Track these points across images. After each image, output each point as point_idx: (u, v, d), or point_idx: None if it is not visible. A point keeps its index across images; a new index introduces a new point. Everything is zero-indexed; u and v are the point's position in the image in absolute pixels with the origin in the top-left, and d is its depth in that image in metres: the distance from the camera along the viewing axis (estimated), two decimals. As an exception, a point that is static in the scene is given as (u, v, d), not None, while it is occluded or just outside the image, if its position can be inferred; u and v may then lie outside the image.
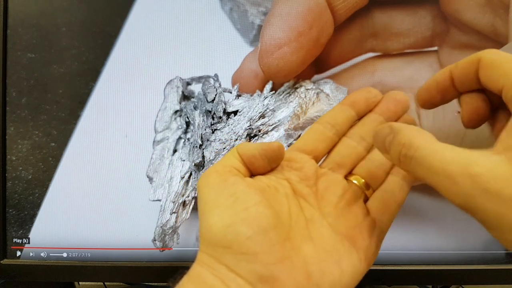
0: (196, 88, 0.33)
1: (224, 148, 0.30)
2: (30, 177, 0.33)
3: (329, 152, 0.23)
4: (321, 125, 0.23)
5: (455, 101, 0.21)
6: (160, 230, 0.31)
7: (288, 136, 0.30)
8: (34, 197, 0.33)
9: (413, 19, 0.32)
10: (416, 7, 0.31)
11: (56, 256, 0.33)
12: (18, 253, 0.33)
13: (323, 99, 0.31)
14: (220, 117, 0.31)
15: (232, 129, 0.31)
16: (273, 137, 0.30)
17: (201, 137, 0.31)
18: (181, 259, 0.33)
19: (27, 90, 0.33)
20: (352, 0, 0.30)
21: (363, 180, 0.21)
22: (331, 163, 0.22)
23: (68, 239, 0.33)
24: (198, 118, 0.32)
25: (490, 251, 0.33)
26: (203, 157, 0.31)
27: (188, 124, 0.33)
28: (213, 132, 0.31)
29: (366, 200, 0.22)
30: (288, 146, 0.30)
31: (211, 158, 0.30)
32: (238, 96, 0.32)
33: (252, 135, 0.30)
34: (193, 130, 0.32)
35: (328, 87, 0.31)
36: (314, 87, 0.31)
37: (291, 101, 0.31)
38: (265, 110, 0.31)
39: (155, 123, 0.33)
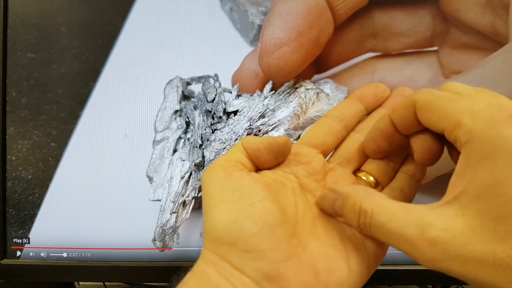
0: (196, 88, 0.33)
1: (224, 148, 0.30)
2: (30, 177, 0.33)
3: (337, 146, 0.22)
4: (329, 118, 0.22)
5: None
6: (160, 230, 0.31)
7: (288, 136, 0.30)
8: (34, 197, 0.33)
9: (413, 19, 0.32)
10: (416, 7, 0.31)
11: (56, 256, 0.33)
12: (18, 253, 0.33)
13: (323, 99, 0.31)
14: (220, 117, 0.31)
15: (232, 129, 0.31)
16: (273, 137, 0.30)
17: (201, 137, 0.31)
18: (181, 259, 0.33)
19: (27, 90, 0.33)
20: (352, 0, 0.30)
21: (371, 177, 0.21)
22: (340, 157, 0.22)
23: (68, 239, 0.33)
24: (198, 118, 0.32)
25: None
26: (203, 157, 0.31)
27: (188, 124, 0.33)
28: (213, 132, 0.31)
29: None
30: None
31: (211, 158, 0.30)
32: (238, 96, 0.32)
33: (252, 135, 0.30)
34: (193, 130, 0.32)
35: (328, 87, 0.31)
36: (314, 87, 0.31)
37: (291, 101, 0.31)
38: (265, 110, 0.31)
39: (155, 123, 0.33)
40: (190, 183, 0.31)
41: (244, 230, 0.16)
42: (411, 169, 0.21)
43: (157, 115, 0.33)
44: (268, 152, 0.19)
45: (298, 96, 0.31)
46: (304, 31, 0.29)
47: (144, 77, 0.33)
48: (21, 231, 0.33)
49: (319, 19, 0.29)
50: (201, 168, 0.31)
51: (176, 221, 0.31)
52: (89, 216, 0.33)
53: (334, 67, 0.33)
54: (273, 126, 0.30)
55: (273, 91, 0.31)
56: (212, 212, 0.17)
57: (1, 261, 0.33)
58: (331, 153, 0.22)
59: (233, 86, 0.32)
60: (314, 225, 0.19)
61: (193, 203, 0.31)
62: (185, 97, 0.33)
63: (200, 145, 0.31)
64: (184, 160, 0.32)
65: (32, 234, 0.33)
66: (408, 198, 0.21)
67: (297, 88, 0.31)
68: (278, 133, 0.30)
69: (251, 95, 0.32)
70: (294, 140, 0.30)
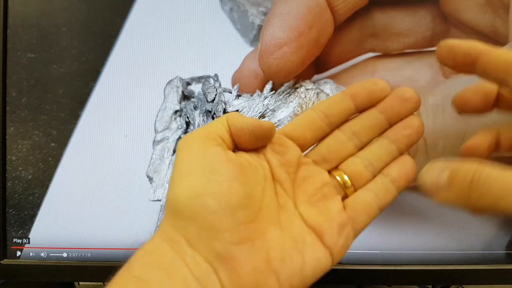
0: (196, 88, 0.33)
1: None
2: (30, 177, 0.33)
3: (318, 142, 0.22)
4: (315, 112, 0.21)
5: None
6: (160, 230, 0.31)
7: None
8: (34, 197, 0.33)
9: (413, 19, 0.32)
10: (416, 7, 0.31)
11: (56, 256, 0.33)
12: (18, 253, 0.33)
13: (323, 99, 0.31)
14: (220, 117, 0.31)
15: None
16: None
17: (201, 137, 0.31)
18: (181, 259, 0.33)
19: (27, 90, 0.33)
20: (352, 0, 0.30)
21: (346, 177, 0.21)
22: (316, 155, 0.21)
23: (68, 239, 0.33)
24: (198, 118, 0.32)
25: (490, 251, 0.33)
26: (203, 157, 0.31)
27: (188, 124, 0.33)
28: (213, 132, 0.31)
29: (347, 197, 0.21)
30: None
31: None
32: (238, 96, 0.32)
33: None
34: (193, 130, 0.32)
35: (328, 87, 0.31)
36: (314, 87, 0.31)
37: (291, 101, 0.31)
38: (265, 110, 0.31)
39: (155, 123, 0.33)
40: (190, 183, 0.31)
41: (205, 206, 0.16)
42: (394, 174, 0.20)
43: (157, 115, 0.33)
44: (250, 134, 0.19)
45: (298, 96, 0.31)
46: (304, 31, 0.29)
47: (144, 77, 0.33)
48: (21, 231, 0.33)
49: (319, 19, 0.29)
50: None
51: (176, 221, 0.31)
52: (89, 216, 0.33)
53: (334, 67, 0.33)
54: (273, 126, 0.30)
55: (273, 91, 0.31)
56: (178, 182, 0.17)
57: (1, 261, 0.33)
58: (312, 147, 0.22)
59: (233, 86, 0.32)
60: (277, 215, 0.19)
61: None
62: (185, 97, 0.33)
63: (200, 145, 0.31)
64: (184, 160, 0.32)
65: (32, 234, 0.33)
66: (381, 203, 0.20)
67: (297, 88, 0.31)
68: (278, 133, 0.30)
69: (251, 95, 0.32)
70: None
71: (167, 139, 0.33)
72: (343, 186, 0.21)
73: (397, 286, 0.39)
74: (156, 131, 0.33)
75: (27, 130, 0.33)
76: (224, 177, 0.17)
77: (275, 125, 0.30)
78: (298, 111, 0.30)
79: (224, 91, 0.32)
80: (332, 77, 0.33)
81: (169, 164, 0.32)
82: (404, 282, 0.33)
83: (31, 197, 0.33)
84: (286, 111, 0.31)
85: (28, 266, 0.33)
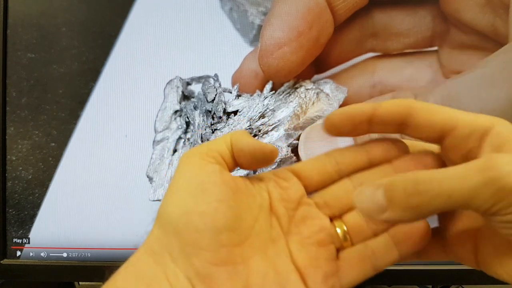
0: (196, 88, 0.33)
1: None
2: (30, 177, 0.33)
3: (324, 186, 0.21)
4: (327, 157, 0.21)
5: None
6: (160, 230, 0.31)
7: (288, 136, 0.30)
8: (34, 197, 0.33)
9: (413, 19, 0.32)
10: (416, 7, 0.31)
11: (56, 256, 0.33)
12: (18, 253, 0.33)
13: (323, 99, 0.31)
14: (220, 117, 0.31)
15: (232, 129, 0.31)
16: (273, 137, 0.30)
17: (201, 137, 0.31)
18: (181, 259, 0.33)
19: (27, 90, 0.33)
20: (352, 0, 0.30)
21: (345, 229, 0.20)
22: (320, 198, 0.21)
23: (68, 239, 0.33)
24: (198, 118, 0.32)
25: (490, 251, 0.33)
26: (203, 157, 0.31)
27: (188, 124, 0.33)
28: (213, 132, 0.31)
29: (343, 248, 0.20)
30: (288, 145, 0.30)
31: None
32: (238, 96, 0.32)
33: (252, 135, 0.30)
34: (193, 130, 0.32)
35: (328, 87, 0.31)
36: (314, 87, 0.31)
37: (291, 101, 0.31)
38: (265, 110, 0.31)
39: (155, 123, 0.33)
40: (190, 183, 0.31)
41: (191, 224, 0.16)
42: (399, 236, 0.19)
43: (157, 115, 0.33)
44: (251, 155, 0.19)
45: (298, 96, 0.31)
46: (304, 31, 0.29)
47: (144, 77, 0.33)
48: (21, 231, 0.33)
49: (319, 19, 0.29)
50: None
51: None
52: (89, 216, 0.33)
53: (334, 67, 0.33)
54: (273, 126, 0.30)
55: (273, 91, 0.31)
56: (170, 197, 0.18)
57: (1, 261, 0.33)
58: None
59: (233, 86, 0.32)
60: (267, 247, 0.19)
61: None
62: (185, 97, 0.33)
63: (200, 145, 0.31)
64: (184, 160, 0.32)
65: (32, 234, 0.33)
66: (378, 264, 0.19)
67: (297, 88, 0.31)
68: (278, 133, 0.30)
69: (251, 95, 0.32)
70: (295, 140, 0.30)
71: (167, 139, 0.33)
72: (342, 237, 0.20)
73: (397, 286, 0.38)
74: (156, 131, 0.33)
75: (27, 130, 0.33)
76: (213, 198, 0.17)
77: (275, 125, 0.30)
78: (298, 111, 0.30)
79: (224, 91, 0.32)
80: (332, 77, 0.33)
81: (169, 164, 0.32)
82: (404, 282, 0.33)
83: (31, 197, 0.33)
84: (286, 111, 0.31)
85: (28, 266, 0.33)
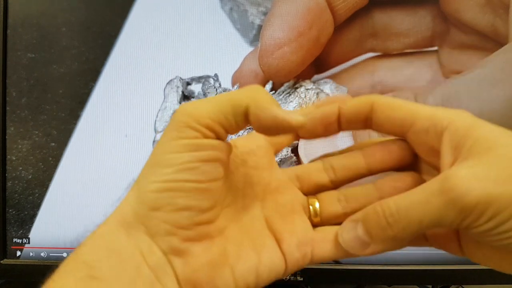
0: (196, 88, 0.33)
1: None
2: (30, 177, 0.33)
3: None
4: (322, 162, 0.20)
5: None
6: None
7: (288, 136, 0.30)
8: (34, 197, 0.33)
9: (413, 19, 0.32)
10: (416, 7, 0.31)
11: (56, 256, 0.33)
12: (18, 253, 0.33)
13: (323, 99, 0.31)
14: (220, 117, 0.31)
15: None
16: (273, 137, 0.30)
17: (201, 137, 0.31)
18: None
19: (27, 90, 0.33)
20: (352, 0, 0.30)
21: (317, 206, 0.20)
22: (292, 172, 0.21)
23: (68, 239, 0.33)
24: (198, 118, 0.32)
25: (490, 251, 0.33)
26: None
27: (188, 124, 0.33)
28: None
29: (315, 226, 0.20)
30: (288, 146, 0.30)
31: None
32: (238, 96, 0.32)
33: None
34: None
35: (328, 87, 0.31)
36: (314, 87, 0.31)
37: (291, 101, 0.31)
38: (265, 110, 0.31)
39: (155, 123, 0.33)
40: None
41: (171, 203, 0.16)
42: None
43: (157, 115, 0.33)
44: (264, 129, 0.17)
45: (298, 96, 0.31)
46: (304, 31, 0.29)
47: (144, 77, 0.33)
48: (21, 231, 0.33)
49: (319, 19, 0.29)
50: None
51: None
52: (89, 216, 0.33)
53: (334, 67, 0.33)
54: (273, 126, 0.30)
55: (273, 91, 0.31)
56: (154, 170, 0.16)
57: (1, 261, 0.33)
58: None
59: (233, 86, 0.32)
60: (241, 215, 0.19)
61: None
62: (185, 97, 0.33)
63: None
64: (184, 160, 0.32)
65: (32, 234, 0.33)
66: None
67: (297, 88, 0.31)
68: (278, 133, 0.30)
69: (251, 95, 0.32)
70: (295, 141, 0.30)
71: (167, 139, 0.33)
72: (313, 213, 0.20)
73: (397, 286, 0.38)
74: (156, 131, 0.33)
75: (27, 130, 0.33)
76: (203, 177, 0.16)
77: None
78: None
79: (224, 91, 0.32)
80: (332, 77, 0.33)
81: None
82: (404, 282, 0.33)
83: (31, 197, 0.33)
84: (286, 111, 0.31)
85: (28, 266, 0.33)
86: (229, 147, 0.18)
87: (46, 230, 0.33)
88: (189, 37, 0.33)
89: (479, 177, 0.14)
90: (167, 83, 0.33)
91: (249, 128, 0.31)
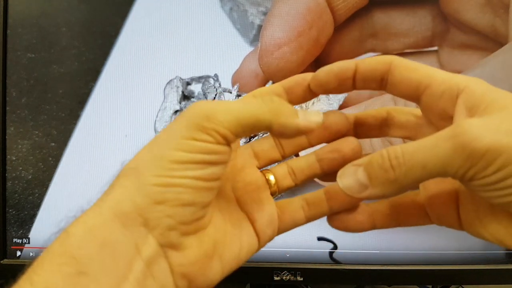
0: (196, 88, 0.33)
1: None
2: (30, 177, 0.33)
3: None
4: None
5: None
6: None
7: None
8: (34, 197, 0.33)
9: (413, 19, 0.32)
10: (416, 7, 0.32)
11: (56, 256, 0.33)
12: (18, 253, 0.33)
13: (323, 99, 0.31)
14: (220, 117, 0.31)
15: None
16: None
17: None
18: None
19: (27, 90, 0.33)
20: (352, 0, 0.30)
21: (272, 178, 0.21)
22: (250, 150, 0.21)
23: (68, 239, 0.33)
24: (198, 118, 0.32)
25: (490, 251, 0.33)
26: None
27: (188, 124, 0.33)
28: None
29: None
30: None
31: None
32: (238, 96, 0.32)
33: (251, 135, 0.31)
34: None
35: (328, 87, 0.31)
36: (314, 87, 0.31)
37: (291, 101, 0.31)
38: (265, 110, 0.31)
39: (155, 123, 0.33)
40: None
41: (177, 198, 0.16)
42: (331, 193, 0.20)
43: (157, 115, 0.33)
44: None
45: (298, 96, 0.31)
46: (304, 31, 0.29)
47: (144, 77, 0.33)
48: (21, 231, 0.33)
49: (319, 19, 0.29)
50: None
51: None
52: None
53: (334, 67, 0.33)
54: (273, 126, 0.30)
55: (273, 91, 0.31)
56: (160, 164, 0.16)
57: (1, 261, 0.33)
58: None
59: (233, 86, 0.32)
60: (218, 200, 0.19)
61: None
62: (185, 97, 0.33)
63: (200, 145, 0.31)
64: (184, 160, 0.32)
65: (32, 234, 0.33)
66: (308, 216, 0.20)
67: (297, 88, 0.31)
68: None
69: (251, 95, 0.32)
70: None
71: (167, 139, 0.33)
72: (270, 186, 0.21)
73: (397, 286, 0.39)
74: (156, 131, 0.33)
75: (27, 130, 0.33)
76: (206, 177, 0.16)
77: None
78: (298, 111, 0.30)
79: (224, 91, 0.32)
80: (332, 77, 0.33)
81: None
82: (404, 282, 0.33)
83: (31, 197, 0.33)
84: (286, 111, 0.31)
85: (28, 266, 0.33)
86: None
87: (46, 230, 0.33)
88: (189, 37, 0.33)
89: (491, 128, 0.14)
90: (167, 83, 0.33)
91: None
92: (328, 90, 0.19)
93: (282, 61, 0.29)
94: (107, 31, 0.32)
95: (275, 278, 0.33)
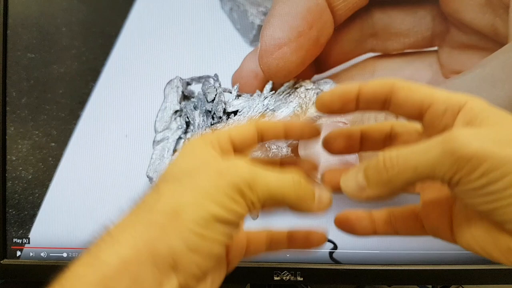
0: (196, 88, 0.33)
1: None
2: (30, 177, 0.33)
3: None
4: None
5: None
6: (160, 230, 0.31)
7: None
8: (34, 197, 0.33)
9: (413, 19, 0.32)
10: (416, 7, 0.32)
11: (56, 256, 0.33)
12: (18, 253, 0.33)
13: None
14: (220, 117, 0.31)
15: (232, 129, 0.31)
16: (273, 137, 0.30)
17: (201, 137, 0.31)
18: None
19: (27, 90, 0.33)
20: (352, 0, 0.30)
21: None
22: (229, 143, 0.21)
23: (68, 239, 0.33)
24: (198, 118, 0.32)
25: (490, 251, 0.33)
26: (203, 157, 0.31)
27: (188, 124, 0.33)
28: (213, 132, 0.31)
29: None
30: (288, 145, 0.30)
31: (211, 158, 0.30)
32: (238, 96, 0.32)
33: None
34: (193, 130, 0.32)
35: (328, 87, 0.31)
36: (314, 87, 0.31)
37: (291, 101, 0.31)
38: (265, 110, 0.31)
39: (155, 123, 0.33)
40: (190, 183, 0.31)
41: (209, 252, 0.17)
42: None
43: (157, 115, 0.33)
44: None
45: (298, 96, 0.31)
46: (304, 31, 0.29)
47: (144, 77, 0.33)
48: (21, 231, 0.33)
49: (319, 19, 0.29)
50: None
51: (176, 221, 0.31)
52: (89, 216, 0.33)
53: (334, 67, 0.33)
54: (273, 126, 0.30)
55: (273, 91, 0.31)
56: (201, 214, 0.17)
57: (1, 261, 0.33)
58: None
59: (233, 86, 0.32)
60: None
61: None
62: (185, 97, 0.33)
63: (200, 145, 0.31)
64: (184, 160, 0.32)
65: (32, 234, 0.33)
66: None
67: (297, 88, 0.31)
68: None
69: (251, 95, 0.32)
70: (293, 140, 0.30)
71: (167, 139, 0.33)
72: None
73: (397, 286, 0.39)
74: (156, 131, 0.33)
75: (27, 130, 0.33)
76: (231, 235, 0.18)
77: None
78: (298, 111, 0.30)
79: (224, 91, 0.32)
80: (332, 77, 0.33)
81: (169, 164, 0.32)
82: (404, 282, 0.33)
83: (31, 197, 0.33)
84: (286, 111, 0.31)
85: (28, 266, 0.33)
86: None
87: (46, 230, 0.33)
88: (189, 37, 0.33)
89: (479, 137, 0.15)
90: (167, 83, 0.33)
91: None
92: (332, 111, 0.20)
93: (282, 61, 0.29)
94: (107, 31, 0.32)
95: (275, 278, 0.33)
